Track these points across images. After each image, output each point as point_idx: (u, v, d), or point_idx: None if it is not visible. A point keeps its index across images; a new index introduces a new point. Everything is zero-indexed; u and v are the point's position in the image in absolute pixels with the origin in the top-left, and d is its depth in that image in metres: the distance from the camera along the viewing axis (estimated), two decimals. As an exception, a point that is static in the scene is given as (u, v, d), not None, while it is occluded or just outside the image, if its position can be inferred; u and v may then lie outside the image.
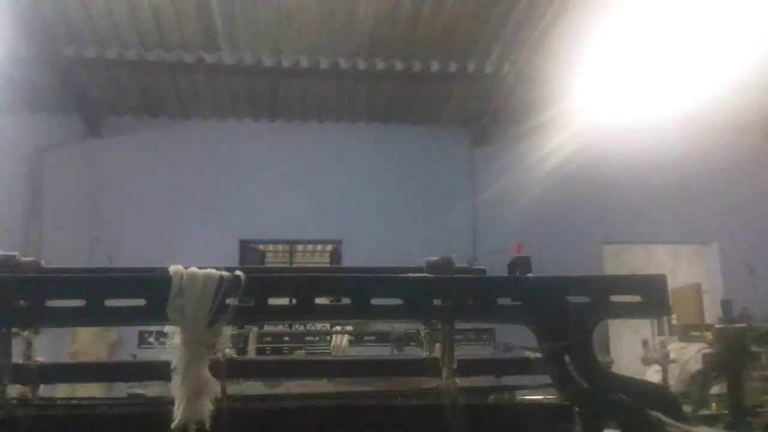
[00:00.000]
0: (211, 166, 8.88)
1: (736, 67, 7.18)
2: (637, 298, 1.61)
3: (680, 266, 10.01)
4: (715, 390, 4.22)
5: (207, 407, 1.40)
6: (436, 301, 1.61)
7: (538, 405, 1.86)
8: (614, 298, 1.62)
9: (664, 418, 1.46)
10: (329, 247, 10.46)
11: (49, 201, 8.49)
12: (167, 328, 1.45)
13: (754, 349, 3.70)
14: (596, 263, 8.60)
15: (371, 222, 8.78)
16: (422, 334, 2.41)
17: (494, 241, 7.94)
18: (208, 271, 1.44)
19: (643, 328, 8.14)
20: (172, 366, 1.41)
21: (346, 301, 1.57)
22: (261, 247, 9.80)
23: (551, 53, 7.21)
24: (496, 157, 9.07)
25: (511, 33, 7.18)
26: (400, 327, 4.32)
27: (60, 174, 8.62)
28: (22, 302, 1.49)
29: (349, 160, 9.08)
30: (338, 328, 4.49)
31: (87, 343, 7.30)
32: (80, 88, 8.11)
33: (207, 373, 1.42)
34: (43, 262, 1.89)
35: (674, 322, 5.02)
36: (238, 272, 1.46)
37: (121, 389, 2.27)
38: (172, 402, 1.41)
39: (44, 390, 1.99)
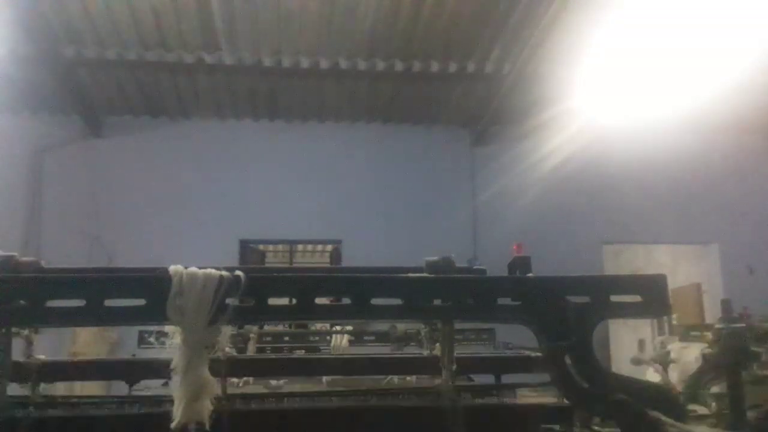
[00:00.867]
0: (211, 166, 8.88)
1: (736, 67, 7.18)
2: (637, 298, 1.61)
3: (680, 266, 10.01)
4: (715, 390, 4.22)
5: (207, 407, 1.40)
6: (436, 301, 1.61)
7: (538, 405, 1.85)
8: (614, 298, 1.62)
9: (664, 418, 1.46)
10: (329, 247, 10.47)
11: (49, 201, 8.49)
12: (167, 328, 1.45)
13: (754, 349, 3.70)
14: (596, 263, 8.60)
15: (371, 222, 8.78)
16: (422, 334, 2.41)
17: (494, 241, 7.94)
18: (208, 271, 1.44)
19: (644, 327, 8.17)
20: (172, 366, 1.42)
21: (346, 301, 1.57)
22: (261, 247, 9.80)
23: (551, 53, 7.22)
24: (496, 157, 9.07)
25: (511, 33, 7.18)
26: (400, 327, 4.32)
27: (60, 174, 8.62)
28: (22, 302, 1.49)
29: (349, 160, 9.08)
30: (338, 328, 4.49)
31: (87, 343, 7.31)
32: (80, 88, 8.11)
33: (207, 373, 1.42)
34: (43, 262, 1.89)
35: (674, 322, 5.02)
36: (238, 272, 1.46)
37: (120, 387, 2.27)
38: (171, 401, 1.41)
39: (44, 389, 1.99)
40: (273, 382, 2.26)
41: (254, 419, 1.70)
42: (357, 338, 4.51)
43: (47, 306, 1.48)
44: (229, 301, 1.44)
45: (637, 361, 4.61)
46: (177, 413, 1.38)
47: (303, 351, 4.60)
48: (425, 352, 2.30)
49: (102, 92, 8.33)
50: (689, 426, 1.54)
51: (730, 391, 2.87)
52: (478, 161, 9.25)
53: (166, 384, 1.85)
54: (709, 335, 4.17)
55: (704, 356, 3.79)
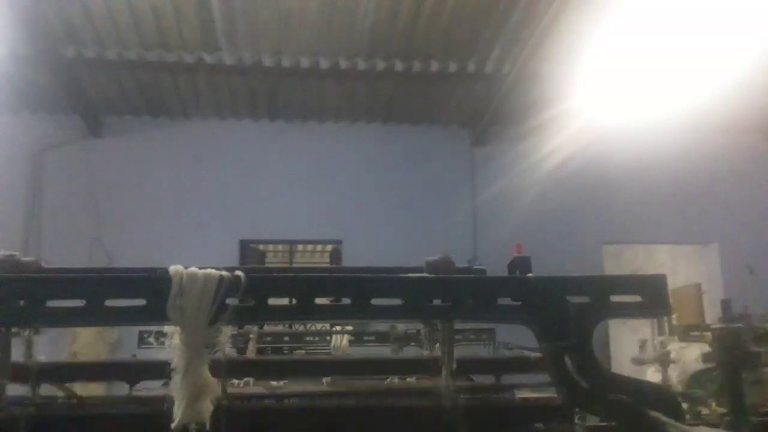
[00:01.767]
0: (210, 166, 8.88)
1: (736, 67, 7.18)
2: (637, 298, 1.62)
3: (680, 266, 10.01)
4: (715, 390, 4.22)
5: (207, 407, 1.40)
6: (436, 301, 1.61)
7: (537, 404, 1.86)
8: (614, 298, 1.62)
9: (664, 418, 1.46)
10: (329, 247, 10.46)
11: (49, 201, 8.49)
12: (167, 328, 1.45)
13: (754, 349, 3.70)
14: (596, 263, 8.60)
15: (371, 222, 8.78)
16: (422, 334, 2.41)
17: (494, 241, 7.95)
18: (208, 271, 1.44)
19: (643, 327, 8.17)
20: (172, 366, 1.42)
21: (346, 301, 1.57)
22: (261, 247, 9.79)
23: (551, 53, 7.21)
24: (496, 157, 9.07)
25: (511, 33, 7.18)
26: (400, 327, 4.32)
27: (60, 174, 8.62)
28: (22, 302, 1.49)
29: (349, 160, 9.08)
30: (338, 328, 4.49)
31: (87, 343, 7.32)
32: (80, 88, 8.11)
33: (207, 373, 1.42)
34: (43, 262, 1.89)
35: (674, 322, 5.02)
36: (238, 272, 1.46)
37: (121, 387, 2.26)
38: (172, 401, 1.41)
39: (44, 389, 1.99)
40: (273, 383, 2.26)
41: (254, 419, 1.70)
42: (357, 338, 4.52)
43: (47, 306, 1.48)
44: (229, 301, 1.44)
45: (638, 361, 4.62)
46: (177, 413, 1.38)
47: (303, 351, 4.61)
48: (425, 353, 2.30)
49: (102, 92, 8.33)
50: (689, 426, 1.54)
51: (730, 391, 2.87)
52: (478, 161, 9.25)
53: (166, 384, 1.85)
54: (709, 335, 4.18)
55: (704, 356, 3.79)
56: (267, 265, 10.14)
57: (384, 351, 4.46)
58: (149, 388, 2.18)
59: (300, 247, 11.91)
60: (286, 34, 7.17)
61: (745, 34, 6.60)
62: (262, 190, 8.80)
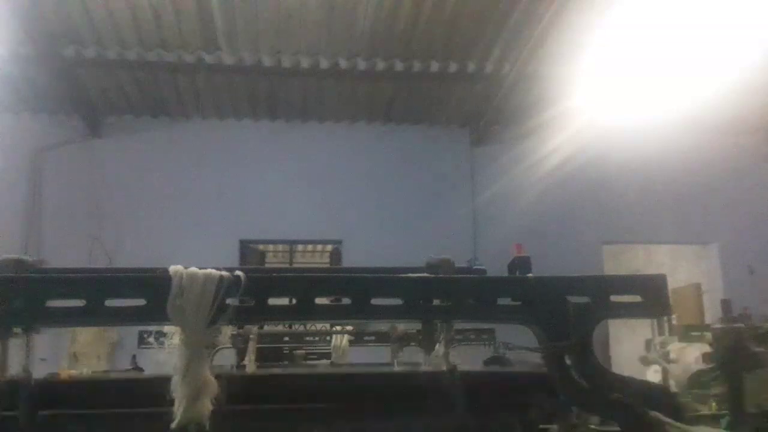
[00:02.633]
0: (210, 166, 8.87)
1: (736, 67, 7.18)
2: (637, 298, 1.62)
3: (680, 266, 10.00)
4: (715, 390, 4.21)
5: (207, 407, 1.40)
6: (436, 301, 1.61)
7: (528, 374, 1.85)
8: (614, 298, 1.62)
9: (664, 418, 1.46)
10: (329, 248, 10.46)
11: (49, 201, 8.49)
12: (167, 328, 1.45)
13: (754, 349, 3.69)
14: (596, 263, 8.60)
15: (371, 222, 8.78)
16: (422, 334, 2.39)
17: (494, 241, 7.94)
18: (208, 271, 1.44)
19: (643, 328, 8.16)
20: (172, 366, 1.42)
21: (346, 301, 1.57)
22: (261, 247, 9.79)
23: (551, 53, 7.21)
24: (496, 157, 9.07)
25: (511, 33, 7.17)
26: (400, 327, 4.32)
27: (60, 174, 8.61)
28: (22, 302, 1.49)
29: (349, 160, 9.08)
30: (338, 328, 4.49)
31: (87, 343, 7.31)
32: (80, 88, 8.11)
33: (207, 373, 1.42)
34: (43, 262, 1.89)
35: (674, 322, 5.02)
36: (238, 272, 1.46)
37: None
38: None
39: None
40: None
41: (254, 417, 1.70)
42: (357, 338, 4.51)
43: (47, 306, 1.48)
44: (229, 301, 1.44)
45: (645, 361, 4.61)
46: (177, 413, 1.38)
47: (303, 351, 4.60)
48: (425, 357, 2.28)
49: (102, 92, 8.33)
50: (689, 426, 1.54)
51: (730, 391, 2.87)
52: (478, 161, 9.24)
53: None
54: (709, 335, 4.18)
55: (704, 356, 3.79)
56: (267, 265, 10.14)
57: (384, 351, 4.45)
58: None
59: (300, 247, 11.89)
60: (286, 34, 7.17)
61: (745, 34, 6.60)
62: (262, 190, 8.80)
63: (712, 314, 7.75)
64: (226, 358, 4.02)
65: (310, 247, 12.19)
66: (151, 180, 8.70)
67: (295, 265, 10.76)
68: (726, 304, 4.12)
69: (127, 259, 7.57)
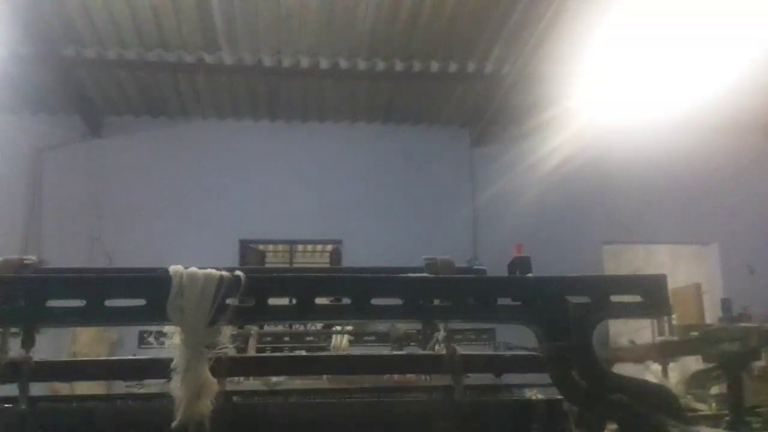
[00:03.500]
0: (211, 166, 8.88)
1: (736, 67, 7.18)
2: (637, 298, 1.61)
3: (680, 266, 10.00)
4: (715, 390, 4.22)
5: (207, 407, 1.40)
6: (436, 301, 1.61)
7: (536, 401, 1.85)
8: (614, 298, 1.61)
9: (664, 418, 1.46)
10: (329, 247, 10.46)
11: (49, 201, 8.49)
12: (167, 328, 1.45)
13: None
14: (596, 263, 8.60)
15: (371, 222, 8.78)
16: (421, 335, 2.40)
17: (494, 241, 7.94)
18: (208, 271, 1.44)
19: (643, 328, 8.17)
20: (172, 366, 1.41)
21: (346, 301, 1.57)
22: (261, 247, 9.80)
23: (551, 53, 7.21)
24: (496, 157, 9.07)
25: (511, 33, 7.17)
26: (400, 327, 4.32)
27: (60, 174, 8.62)
28: (22, 302, 1.49)
29: (349, 160, 9.08)
30: (338, 328, 4.49)
31: (87, 343, 7.31)
32: (80, 88, 8.11)
33: (207, 373, 1.42)
34: (42, 262, 1.89)
35: (674, 322, 5.02)
36: (238, 272, 1.46)
37: (120, 386, 2.26)
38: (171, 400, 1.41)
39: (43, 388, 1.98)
40: (273, 379, 2.25)
41: (254, 416, 1.70)
42: (357, 338, 4.51)
43: (47, 306, 1.48)
44: (229, 301, 1.43)
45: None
46: (177, 413, 1.38)
47: (303, 351, 4.60)
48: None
49: (102, 92, 8.33)
50: (689, 426, 1.54)
51: (730, 391, 2.88)
52: (478, 161, 9.24)
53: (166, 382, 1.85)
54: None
55: (704, 356, 3.79)
56: (267, 265, 10.14)
57: (384, 351, 4.45)
58: (149, 386, 2.17)
59: (300, 247, 11.90)
60: (286, 34, 7.17)
61: (745, 33, 6.60)
62: (262, 190, 8.80)
63: (712, 314, 7.76)
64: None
65: (310, 247, 12.20)
66: (151, 180, 8.70)
67: (295, 265, 10.77)
68: (726, 304, 4.12)
69: (127, 259, 7.57)
